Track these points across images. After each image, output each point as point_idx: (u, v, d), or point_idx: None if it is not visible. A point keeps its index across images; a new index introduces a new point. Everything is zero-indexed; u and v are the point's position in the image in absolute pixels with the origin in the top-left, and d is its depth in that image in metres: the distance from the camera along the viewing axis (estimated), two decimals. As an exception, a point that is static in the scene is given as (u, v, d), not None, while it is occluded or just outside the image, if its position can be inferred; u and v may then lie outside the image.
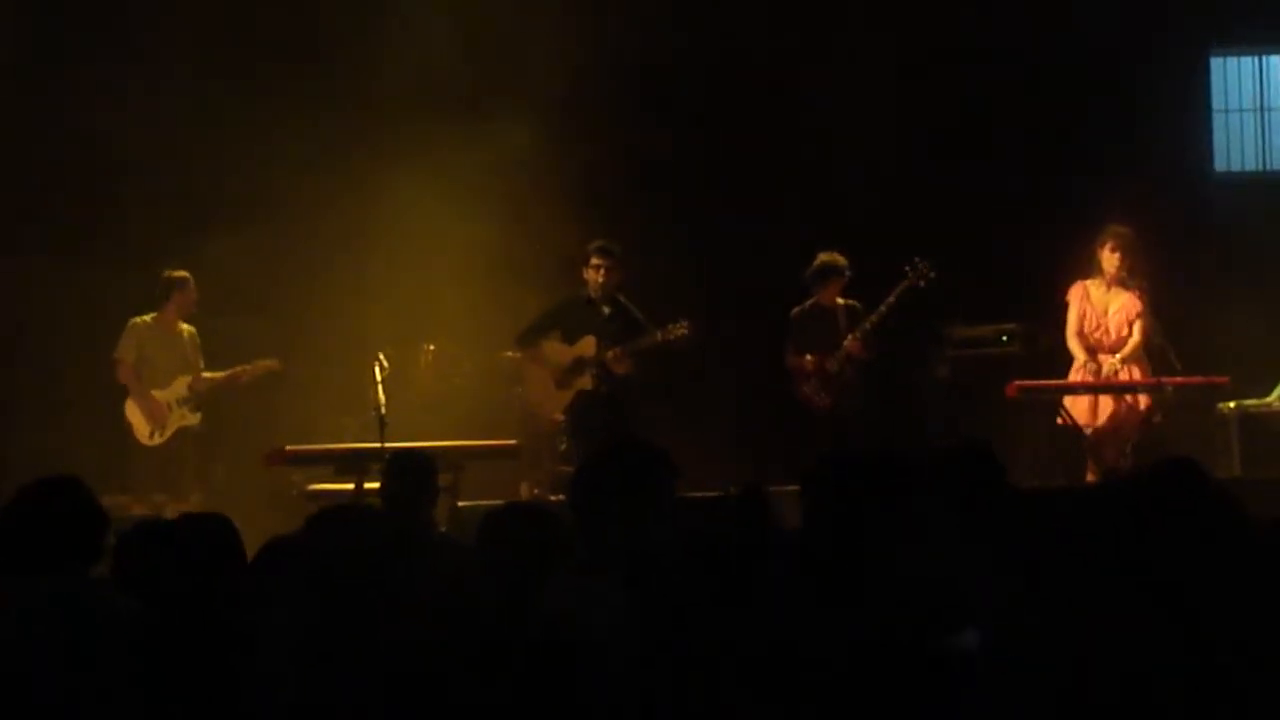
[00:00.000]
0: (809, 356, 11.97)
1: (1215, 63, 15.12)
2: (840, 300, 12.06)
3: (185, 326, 12.08)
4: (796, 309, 12.15)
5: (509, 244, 12.65)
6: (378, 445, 10.60)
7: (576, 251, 11.84)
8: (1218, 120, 15.13)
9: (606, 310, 11.72)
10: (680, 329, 11.51)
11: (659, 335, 11.55)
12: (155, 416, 11.90)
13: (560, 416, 11.78)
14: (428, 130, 12.52)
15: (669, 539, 4.28)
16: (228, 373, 12.07)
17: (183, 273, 11.98)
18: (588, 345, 11.69)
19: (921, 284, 11.85)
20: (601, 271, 11.65)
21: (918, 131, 13.71)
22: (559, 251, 12.28)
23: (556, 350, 11.81)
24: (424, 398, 12.24)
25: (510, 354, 12.37)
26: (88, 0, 13.22)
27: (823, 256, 12.03)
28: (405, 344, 12.39)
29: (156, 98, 12.68)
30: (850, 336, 11.90)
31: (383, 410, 10.89)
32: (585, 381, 11.68)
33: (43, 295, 12.78)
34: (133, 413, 11.92)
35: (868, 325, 11.90)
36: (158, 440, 11.91)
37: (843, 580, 3.92)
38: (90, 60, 12.82)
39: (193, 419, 12.01)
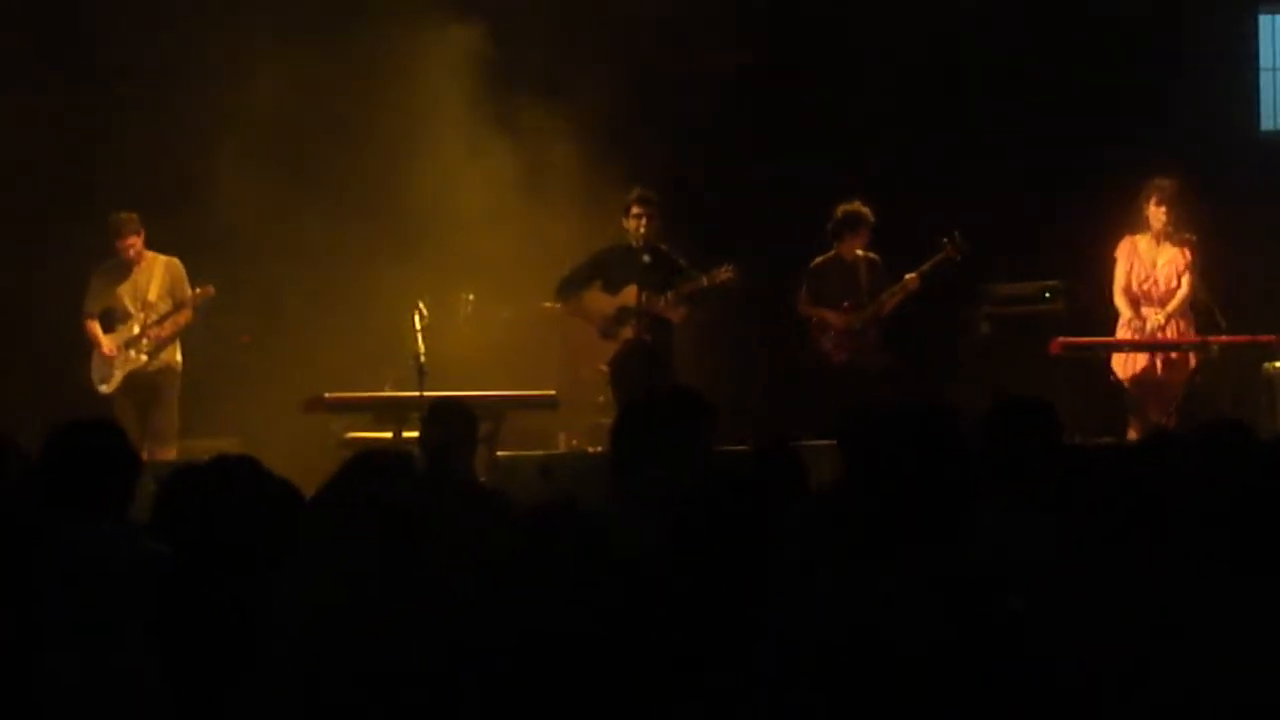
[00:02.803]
0: (834, 312, 11.90)
1: (1264, 20, 14.96)
2: (860, 252, 11.98)
3: (161, 260, 11.93)
4: (818, 259, 12.05)
5: (550, 193, 12.58)
6: (416, 394, 10.60)
7: (618, 199, 11.75)
8: (1265, 78, 14.99)
9: (647, 259, 11.57)
10: (726, 272, 11.38)
11: (705, 279, 11.44)
12: (102, 365, 11.81)
13: (604, 368, 11.71)
14: (466, 76, 12.47)
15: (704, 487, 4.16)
16: (172, 317, 11.91)
17: (123, 214, 11.80)
18: (630, 295, 11.57)
19: (958, 258, 11.85)
20: (642, 220, 11.52)
21: (961, 85, 13.63)
22: (600, 199, 12.19)
23: (599, 300, 11.68)
24: (464, 347, 12.20)
25: (549, 304, 12.31)
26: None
27: (845, 207, 11.92)
28: (445, 293, 12.36)
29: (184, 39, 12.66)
30: (886, 295, 11.84)
31: (422, 359, 10.92)
32: (628, 331, 11.57)
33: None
34: (91, 364, 11.87)
35: (900, 293, 11.84)
36: (106, 390, 11.78)
37: (887, 540, 3.83)
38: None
39: (137, 361, 11.83)
